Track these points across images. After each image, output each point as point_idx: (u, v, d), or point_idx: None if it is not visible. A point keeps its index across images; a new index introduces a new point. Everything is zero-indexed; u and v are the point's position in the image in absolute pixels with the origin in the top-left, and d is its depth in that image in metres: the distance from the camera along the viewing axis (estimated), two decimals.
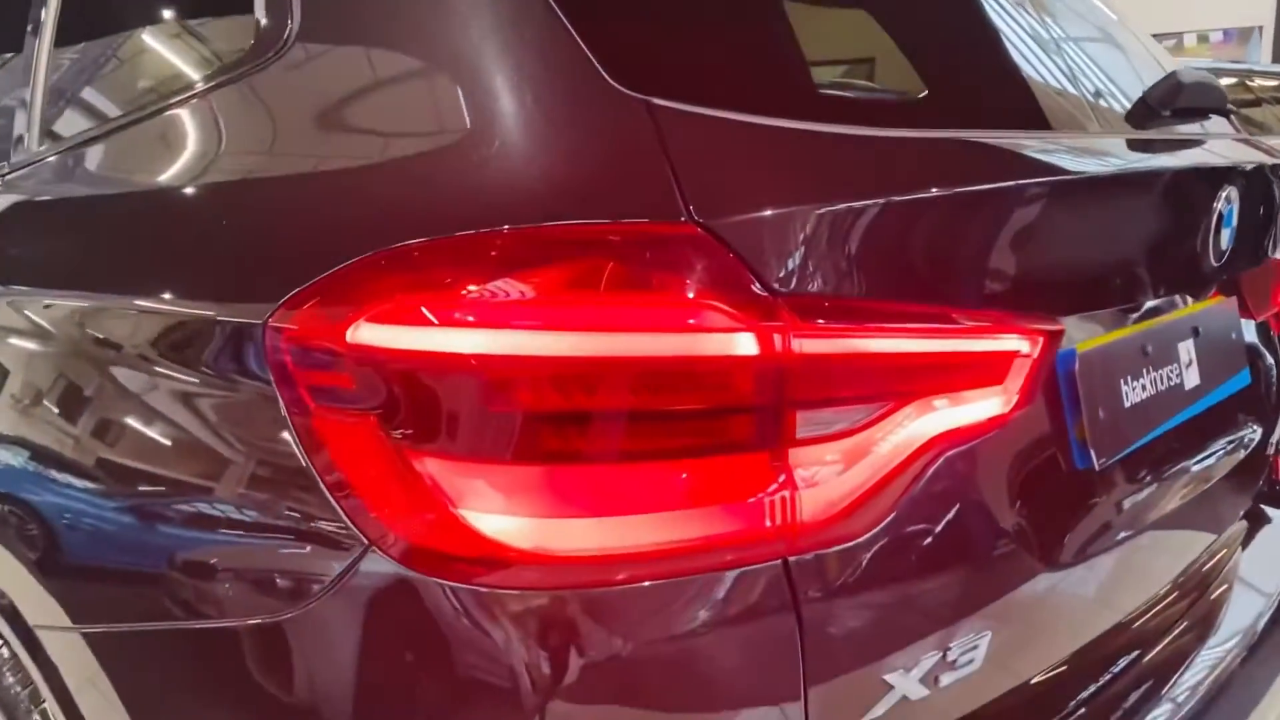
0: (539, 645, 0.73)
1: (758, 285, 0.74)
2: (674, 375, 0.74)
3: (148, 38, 1.21)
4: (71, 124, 1.21)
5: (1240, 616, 1.30)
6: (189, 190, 0.96)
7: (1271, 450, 1.50)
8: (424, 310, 0.74)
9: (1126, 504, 1.07)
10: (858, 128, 0.86)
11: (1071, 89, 1.21)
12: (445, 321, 0.74)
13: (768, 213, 0.75)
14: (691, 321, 0.73)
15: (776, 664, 0.78)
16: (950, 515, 0.86)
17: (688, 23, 0.89)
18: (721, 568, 0.75)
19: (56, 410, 0.99)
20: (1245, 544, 1.47)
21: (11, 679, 1.07)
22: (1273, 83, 6.26)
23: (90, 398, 0.96)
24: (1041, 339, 0.91)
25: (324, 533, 0.77)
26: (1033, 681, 0.98)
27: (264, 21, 0.94)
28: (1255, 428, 1.38)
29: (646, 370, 0.74)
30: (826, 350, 0.77)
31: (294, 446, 0.78)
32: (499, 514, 0.73)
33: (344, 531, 0.76)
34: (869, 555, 0.80)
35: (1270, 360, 1.47)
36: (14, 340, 1.05)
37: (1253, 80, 6.29)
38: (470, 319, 0.73)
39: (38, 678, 1.00)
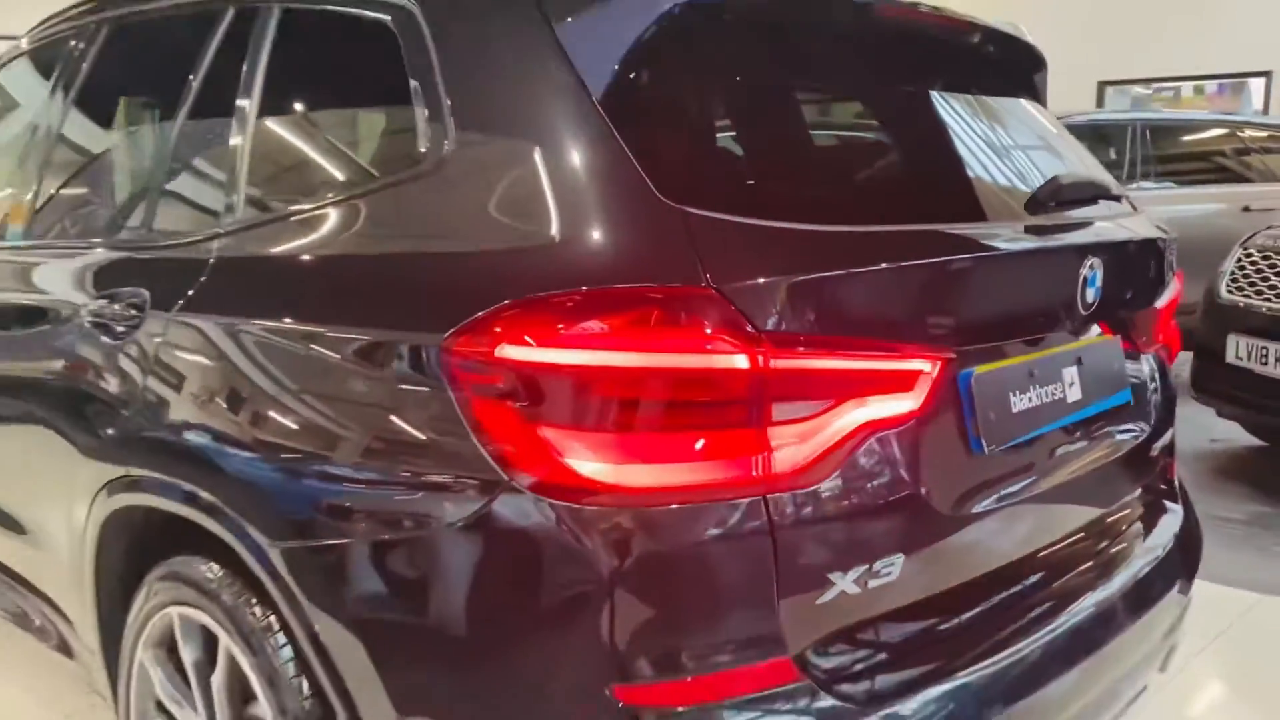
0: (610, 541, 1.20)
1: (749, 326, 1.21)
2: (695, 379, 1.21)
3: (340, 143, 1.72)
4: (278, 201, 1.70)
5: (1130, 567, 1.76)
6: (386, 256, 1.44)
7: (1157, 451, 1.96)
8: (538, 338, 1.21)
9: (1011, 479, 1.53)
10: (818, 225, 1.33)
11: (986, 187, 1.69)
12: (551, 344, 1.21)
13: (757, 281, 1.23)
14: (707, 347, 1.20)
15: (759, 562, 1.24)
16: (874, 475, 1.32)
17: (707, 162, 1.38)
18: (723, 499, 1.22)
19: (297, 399, 1.47)
20: (1143, 519, 1.93)
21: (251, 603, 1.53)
22: (1262, 133, 6.71)
23: (317, 391, 1.44)
24: (940, 362, 1.37)
25: (479, 476, 1.24)
26: (936, 592, 1.43)
27: (427, 147, 1.42)
28: (1135, 433, 1.84)
29: (678, 376, 1.21)
30: (791, 366, 1.24)
31: (460, 423, 1.25)
32: (588, 461, 1.20)
33: (492, 475, 1.23)
34: (819, 497, 1.27)
35: (1152, 383, 1.92)
36: (264, 354, 1.53)
37: (1243, 130, 6.74)
38: (566, 343, 1.21)
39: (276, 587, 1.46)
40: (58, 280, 2.10)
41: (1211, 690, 2.77)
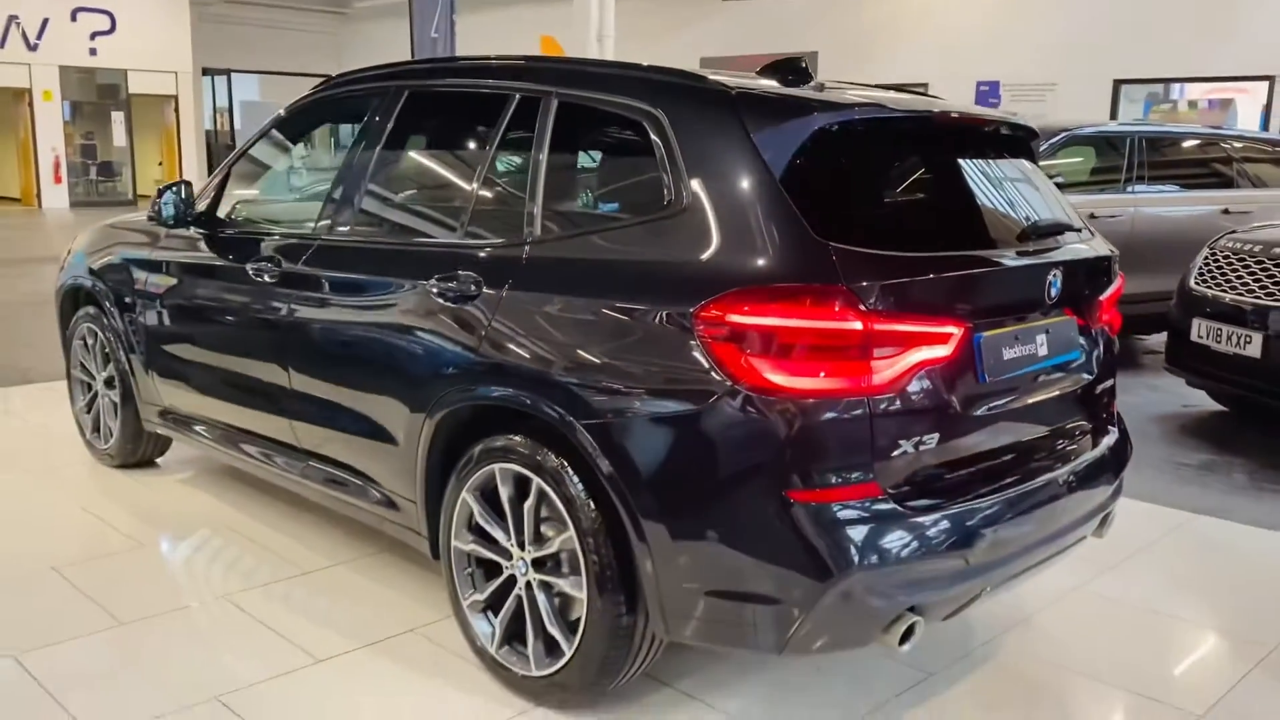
0: (787, 418, 2.32)
1: (862, 306, 2.32)
2: (833, 334, 2.32)
3: (603, 191, 2.85)
4: (564, 225, 2.81)
5: (1077, 460, 2.88)
6: (649, 261, 2.55)
7: (1099, 392, 3.07)
8: (749, 310, 2.33)
9: (1001, 397, 2.64)
10: (899, 251, 2.44)
11: (995, 226, 2.81)
12: (756, 314, 2.33)
13: (867, 283, 2.33)
14: (839, 320, 2.31)
15: (863, 430, 2.35)
16: (924, 390, 2.43)
17: (837, 214, 2.48)
18: (848, 398, 2.33)
19: (593, 341, 2.55)
20: (1090, 434, 3.04)
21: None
22: (1240, 144, 7.75)
23: (606, 336, 2.52)
24: (964, 329, 2.48)
25: (714, 385, 2.35)
26: (955, 458, 2.55)
27: (671, 199, 2.53)
28: (1081, 378, 2.95)
29: (821, 333, 2.32)
30: (884, 329, 2.34)
31: (702, 355, 2.36)
32: (775, 375, 2.31)
33: (722, 384, 2.34)
34: (894, 399, 2.38)
35: (1096, 348, 3.03)
36: (572, 315, 2.64)
37: (1226, 142, 7.78)
38: (765, 313, 2.32)
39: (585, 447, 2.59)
40: (395, 264, 3.21)
41: (1144, 580, 3.89)
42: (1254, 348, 5.11)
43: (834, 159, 2.59)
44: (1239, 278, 5.31)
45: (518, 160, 3.01)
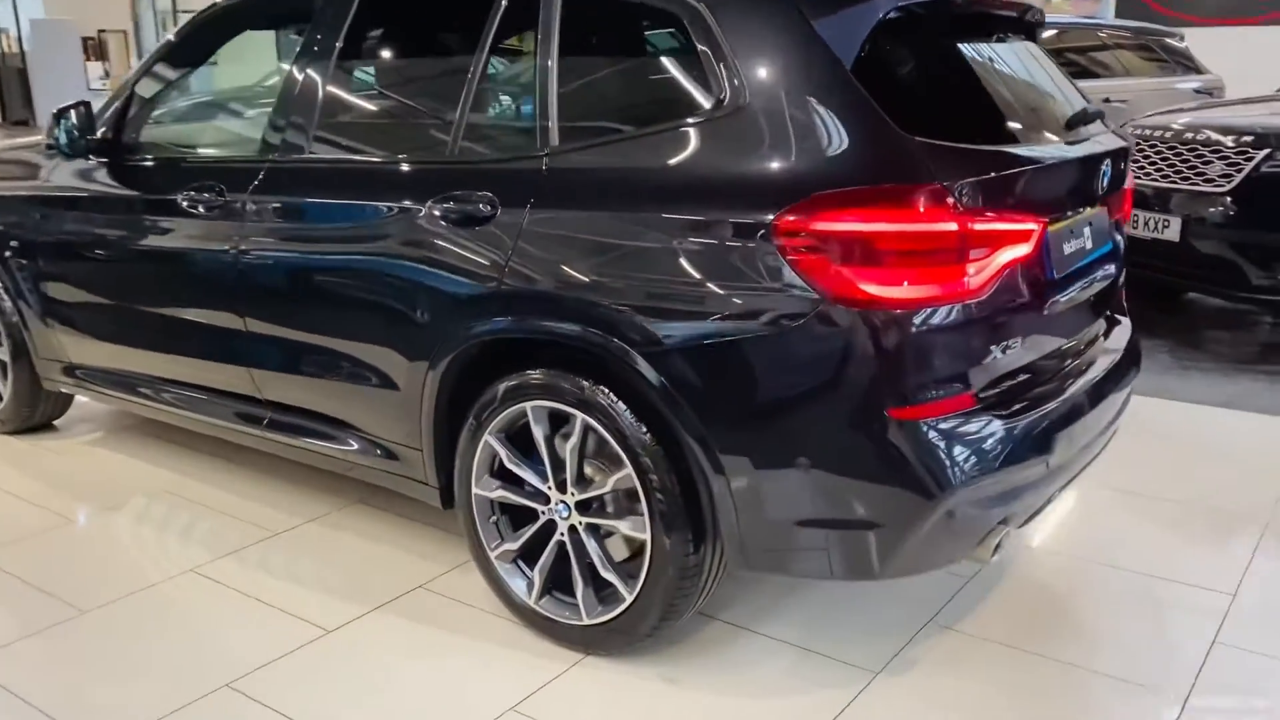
0: (885, 330, 2.15)
1: (956, 206, 2.16)
2: (928, 238, 2.16)
3: (635, 92, 2.57)
4: (586, 131, 2.52)
5: (1116, 352, 2.83)
6: (717, 168, 2.31)
7: (1120, 282, 3.03)
8: (839, 216, 2.13)
9: (1065, 294, 2.55)
10: (982, 145, 2.28)
11: (1044, 116, 2.68)
12: (846, 219, 2.13)
13: (957, 181, 2.17)
14: (937, 221, 2.14)
15: (960, 338, 2.22)
16: (1008, 290, 2.30)
17: (921, 106, 2.30)
18: (945, 305, 2.18)
19: (647, 261, 2.30)
20: (1120, 328, 3.00)
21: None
22: (1123, 34, 7.95)
23: (663, 253, 2.28)
24: (1041, 224, 2.35)
25: (801, 301, 2.16)
26: (1032, 360, 2.45)
27: (726, 98, 2.29)
28: (1111, 269, 2.89)
29: (919, 237, 2.15)
30: (978, 229, 2.19)
31: (789, 273, 2.16)
32: (869, 285, 2.14)
33: (814, 295, 2.15)
34: (986, 303, 2.24)
35: (1118, 238, 2.98)
36: (625, 233, 2.36)
37: (1101, 31, 7.97)
38: (856, 218, 2.13)
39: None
40: (375, 186, 2.84)
41: (1113, 466, 3.95)
42: (1172, 232, 5.25)
43: (901, 47, 2.40)
44: (1152, 163, 5.42)
45: (523, 62, 2.69)
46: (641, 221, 2.35)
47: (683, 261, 2.29)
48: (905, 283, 2.16)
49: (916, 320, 2.17)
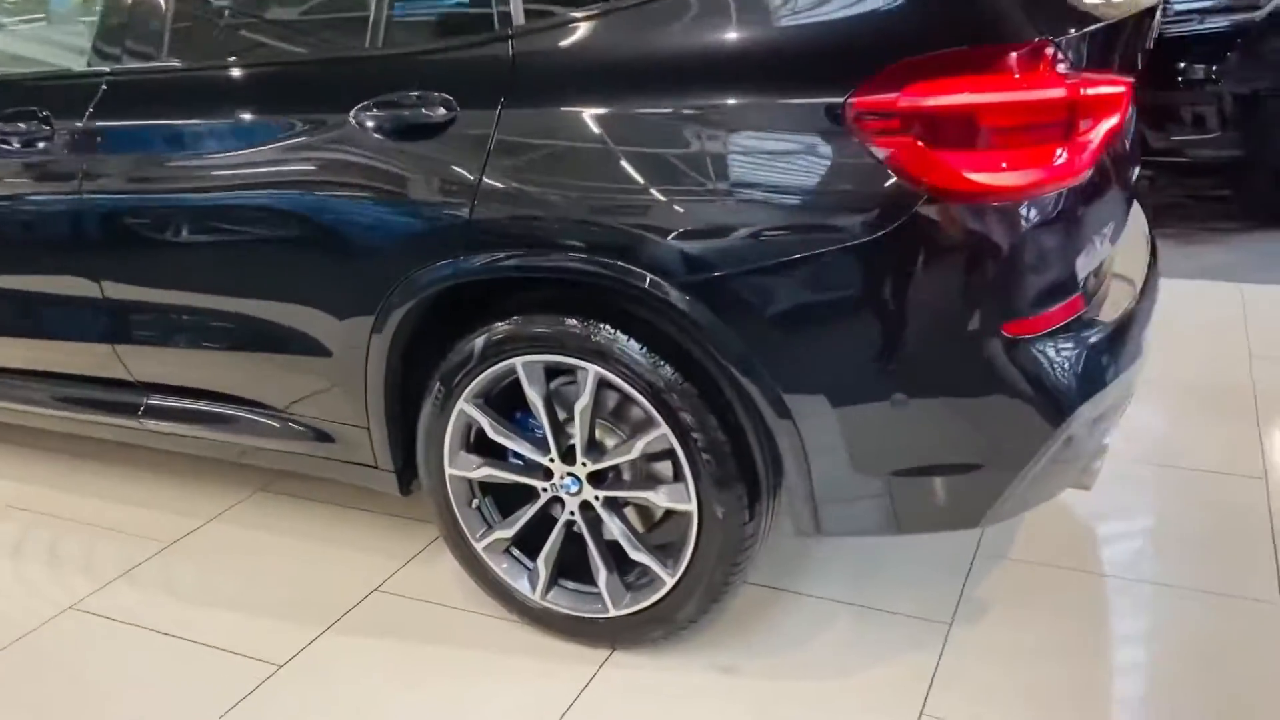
0: (998, 228, 1.73)
1: (1066, 66, 1.74)
2: (1039, 108, 1.73)
3: None
4: (556, 5, 1.96)
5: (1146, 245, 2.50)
6: (757, 37, 1.80)
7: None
8: (932, 88, 1.67)
9: (1126, 170, 2.18)
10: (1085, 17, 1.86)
11: None
12: (942, 92, 1.67)
13: (1067, 38, 1.74)
14: (1049, 87, 1.71)
15: (1069, 237, 1.81)
16: (1102, 170, 1.91)
17: None
18: (1053, 190, 1.77)
19: (681, 161, 1.80)
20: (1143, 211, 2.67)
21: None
22: None
23: (701, 151, 1.78)
24: (1128, 87, 1.97)
25: (891, 197, 1.71)
26: (1112, 251, 2.09)
27: None
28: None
29: (1030, 107, 1.72)
30: (1086, 96, 1.78)
31: (870, 158, 1.70)
32: (975, 172, 1.70)
33: (912, 187, 1.69)
34: (1087, 186, 1.84)
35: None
36: (645, 128, 1.84)
37: None
38: (953, 89, 1.67)
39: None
40: (271, 94, 2.20)
41: None
42: None
43: None
44: None
45: None
46: (664, 114, 1.83)
47: (728, 161, 1.80)
48: (1016, 167, 1.73)
49: (1030, 211, 1.76)
